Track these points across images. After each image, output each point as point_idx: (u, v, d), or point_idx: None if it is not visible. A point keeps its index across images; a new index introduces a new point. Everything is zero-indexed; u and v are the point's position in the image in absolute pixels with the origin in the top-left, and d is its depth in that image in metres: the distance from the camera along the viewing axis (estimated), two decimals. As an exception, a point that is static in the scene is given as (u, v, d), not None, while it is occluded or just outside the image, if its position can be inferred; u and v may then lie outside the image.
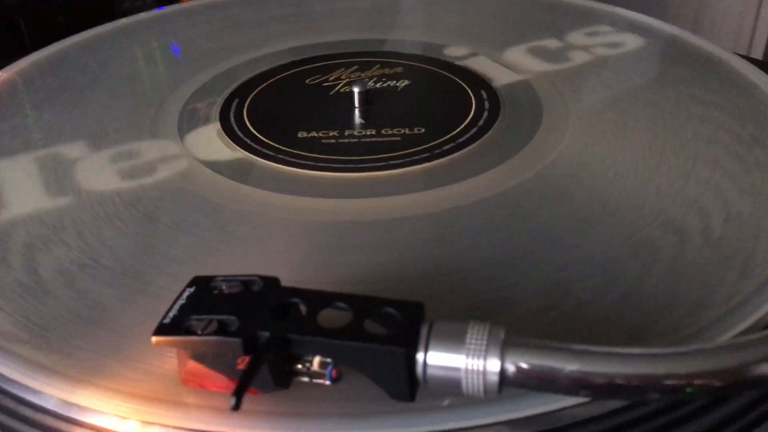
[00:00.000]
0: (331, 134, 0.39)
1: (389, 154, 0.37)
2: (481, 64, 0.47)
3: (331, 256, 0.30)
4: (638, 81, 0.44)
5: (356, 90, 0.41)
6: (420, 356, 0.21)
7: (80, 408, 0.24)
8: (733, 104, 0.40)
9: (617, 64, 0.46)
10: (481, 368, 0.20)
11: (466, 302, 0.27)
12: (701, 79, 0.44)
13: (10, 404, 0.25)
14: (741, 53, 0.50)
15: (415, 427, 0.23)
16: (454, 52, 0.49)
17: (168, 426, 0.23)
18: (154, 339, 0.22)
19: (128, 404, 0.24)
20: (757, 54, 0.88)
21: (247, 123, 0.40)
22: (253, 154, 0.37)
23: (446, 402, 0.23)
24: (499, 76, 0.45)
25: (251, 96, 0.43)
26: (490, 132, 0.38)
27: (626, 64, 0.46)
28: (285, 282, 0.24)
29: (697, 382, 0.20)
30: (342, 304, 0.22)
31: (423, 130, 0.39)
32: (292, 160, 0.37)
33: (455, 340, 0.21)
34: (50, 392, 0.25)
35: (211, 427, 0.23)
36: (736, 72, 0.44)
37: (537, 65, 0.46)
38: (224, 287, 0.23)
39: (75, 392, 0.24)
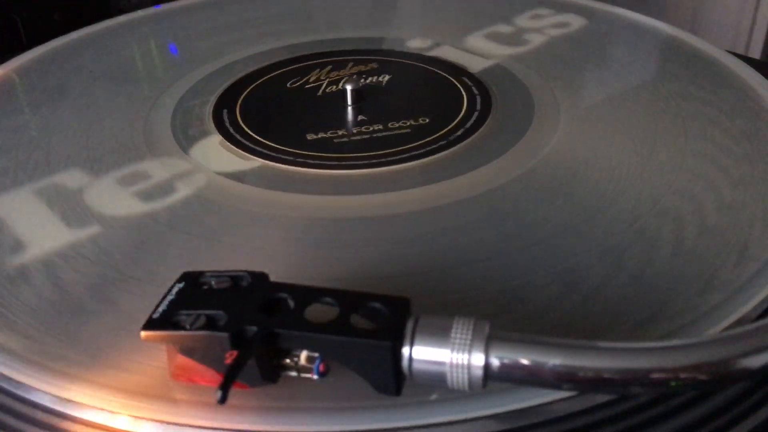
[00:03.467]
0: (324, 132, 0.39)
1: (382, 151, 0.37)
2: (451, 54, 0.47)
3: (322, 253, 0.31)
4: (632, 79, 0.44)
5: (348, 88, 0.41)
6: (405, 350, 0.21)
7: (71, 403, 0.24)
8: (725, 101, 0.41)
9: (610, 62, 0.47)
10: (465, 362, 0.20)
11: (454, 298, 0.28)
12: (695, 76, 0.44)
13: (2, 400, 0.25)
14: (739, 52, 0.50)
15: (401, 422, 0.23)
16: (418, 43, 0.49)
17: (158, 421, 0.23)
18: (143, 334, 0.22)
19: (118, 399, 0.24)
20: (755, 53, 0.88)
21: (240, 121, 0.40)
22: (246, 151, 0.37)
23: (433, 396, 0.23)
24: (475, 64, 0.46)
25: (243, 94, 0.43)
26: (482, 128, 0.39)
27: (620, 62, 0.46)
28: (278, 278, 0.24)
29: (681, 375, 0.20)
30: (329, 299, 0.22)
31: (416, 126, 0.39)
32: (284, 157, 0.37)
33: (440, 335, 0.21)
34: (42, 388, 0.25)
35: (200, 422, 0.23)
36: (730, 70, 0.44)
37: (506, 50, 0.47)
38: (213, 282, 0.24)
39: (66, 388, 0.25)
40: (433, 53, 0.48)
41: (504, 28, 0.52)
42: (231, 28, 0.54)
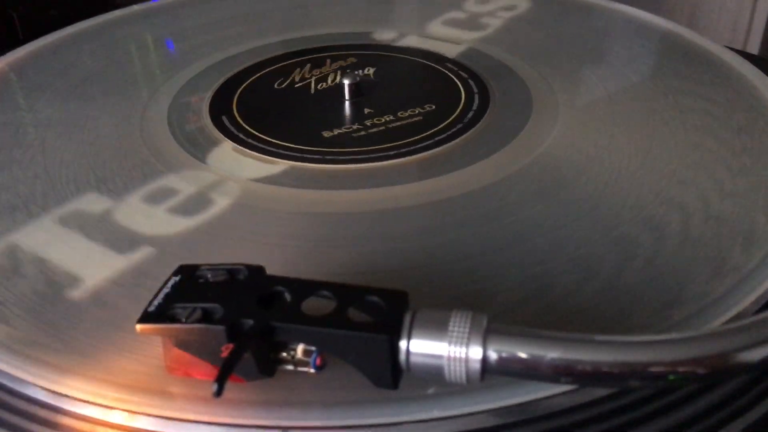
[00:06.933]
0: (322, 129, 0.39)
1: (380, 146, 0.37)
2: (424, 44, 0.48)
3: (321, 247, 0.30)
4: (630, 74, 0.44)
5: (346, 82, 0.40)
6: (403, 344, 0.21)
7: (66, 398, 0.24)
8: (723, 96, 0.40)
9: (609, 57, 0.47)
10: (463, 356, 0.20)
11: (452, 292, 0.28)
12: (693, 71, 0.44)
13: (-3, 394, 0.25)
14: (737, 48, 0.50)
15: (398, 416, 0.23)
16: (384, 35, 0.50)
17: (153, 415, 0.23)
18: (138, 327, 0.22)
19: (114, 394, 0.24)
20: (753, 48, 0.88)
21: (237, 116, 0.40)
22: (244, 146, 0.37)
23: (430, 390, 0.23)
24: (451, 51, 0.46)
25: (239, 90, 0.43)
26: (479, 123, 0.38)
27: (618, 57, 0.46)
28: (274, 272, 0.24)
29: (679, 369, 0.20)
30: (326, 293, 0.22)
31: (413, 120, 0.39)
32: (284, 152, 0.37)
33: (438, 328, 0.21)
34: (37, 382, 0.25)
35: (196, 416, 0.23)
36: (728, 65, 0.44)
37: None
38: (209, 276, 0.23)
39: (61, 382, 0.24)
40: (406, 44, 0.48)
41: (475, 19, 0.52)
42: (228, 22, 0.54)
